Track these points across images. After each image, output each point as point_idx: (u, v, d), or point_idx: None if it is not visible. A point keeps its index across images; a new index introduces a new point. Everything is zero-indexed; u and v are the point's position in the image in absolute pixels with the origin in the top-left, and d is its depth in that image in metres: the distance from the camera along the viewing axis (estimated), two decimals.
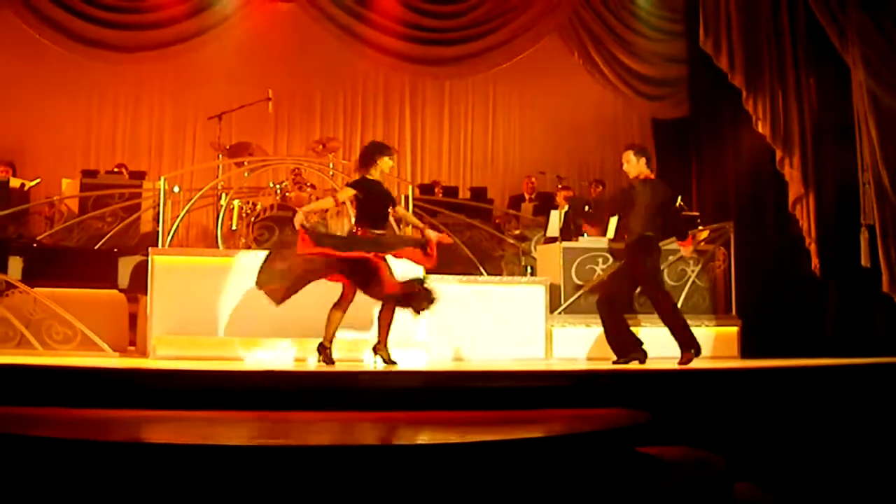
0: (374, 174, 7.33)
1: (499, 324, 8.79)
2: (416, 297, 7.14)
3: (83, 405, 5.00)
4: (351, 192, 7.33)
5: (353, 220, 7.66)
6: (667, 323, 7.94)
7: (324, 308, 7.18)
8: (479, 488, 3.47)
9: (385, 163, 7.36)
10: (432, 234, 7.39)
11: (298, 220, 7.02)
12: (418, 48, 13.07)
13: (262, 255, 7.30)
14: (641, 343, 7.94)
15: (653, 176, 8.14)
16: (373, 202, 7.29)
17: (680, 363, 7.73)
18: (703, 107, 12.75)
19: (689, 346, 7.80)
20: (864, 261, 9.95)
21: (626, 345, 7.91)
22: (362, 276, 7.09)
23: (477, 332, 8.76)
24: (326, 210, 8.59)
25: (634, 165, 7.98)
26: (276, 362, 7.58)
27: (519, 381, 6.56)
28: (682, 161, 13.02)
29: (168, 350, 7.73)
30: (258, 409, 5.06)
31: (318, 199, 9.93)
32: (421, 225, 7.91)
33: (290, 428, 4.43)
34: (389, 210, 7.48)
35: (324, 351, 7.18)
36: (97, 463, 3.34)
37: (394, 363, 7.20)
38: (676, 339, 7.90)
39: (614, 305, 8.04)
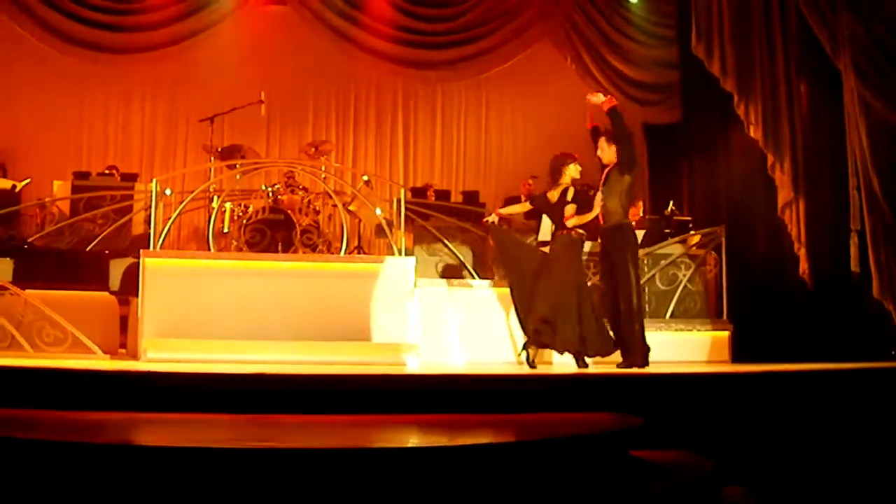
0: (564, 182, 8.14)
1: (490, 327, 8.79)
2: None
3: (74, 408, 5.00)
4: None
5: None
6: (622, 325, 7.96)
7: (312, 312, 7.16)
8: (469, 492, 3.48)
9: (573, 169, 8.19)
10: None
11: (493, 220, 8.20)
12: (411, 51, 13.08)
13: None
14: (648, 349, 7.94)
15: None
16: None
17: (619, 366, 7.78)
18: (695, 112, 12.76)
19: (632, 357, 7.80)
20: (854, 266, 9.95)
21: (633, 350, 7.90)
22: None
23: (468, 335, 8.77)
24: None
25: (607, 152, 8.27)
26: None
27: (511, 385, 6.57)
28: (673, 166, 13.05)
29: (159, 352, 7.70)
30: (249, 411, 5.06)
31: (308, 201, 9.96)
32: None
33: (281, 431, 4.42)
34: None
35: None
36: (87, 465, 3.34)
37: (534, 367, 7.82)
38: (622, 344, 7.94)
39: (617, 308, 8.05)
